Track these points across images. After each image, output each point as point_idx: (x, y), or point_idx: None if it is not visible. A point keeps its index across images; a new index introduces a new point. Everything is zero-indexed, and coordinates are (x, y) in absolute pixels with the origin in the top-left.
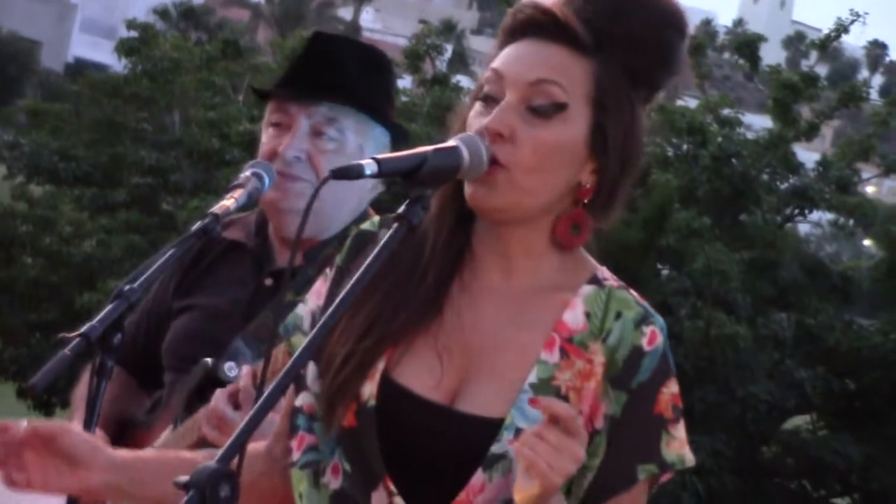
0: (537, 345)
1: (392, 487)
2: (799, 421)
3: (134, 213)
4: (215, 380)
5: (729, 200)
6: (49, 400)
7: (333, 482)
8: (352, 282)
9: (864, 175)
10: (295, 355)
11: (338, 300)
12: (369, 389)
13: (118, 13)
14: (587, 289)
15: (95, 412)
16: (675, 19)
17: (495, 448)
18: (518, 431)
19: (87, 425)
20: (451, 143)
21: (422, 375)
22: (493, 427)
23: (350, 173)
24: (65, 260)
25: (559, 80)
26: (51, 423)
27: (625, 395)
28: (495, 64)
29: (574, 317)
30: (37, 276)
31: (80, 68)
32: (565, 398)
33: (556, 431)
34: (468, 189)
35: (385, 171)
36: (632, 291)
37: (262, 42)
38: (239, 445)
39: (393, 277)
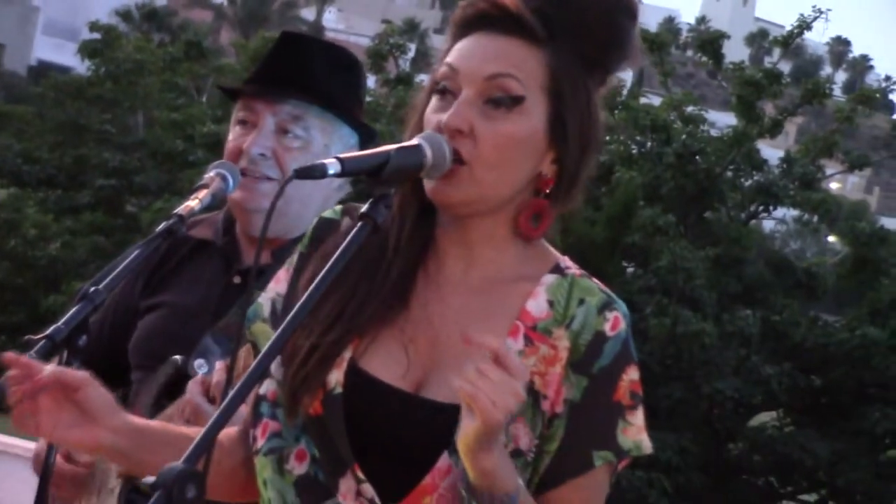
0: (501, 333)
1: (360, 474)
2: (765, 417)
3: (98, 215)
4: (185, 377)
5: (693, 198)
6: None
7: (298, 468)
8: (316, 280)
9: (828, 171)
10: (260, 355)
11: (303, 298)
12: (335, 377)
13: (81, 15)
14: (550, 278)
15: None
16: (625, 2)
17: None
18: None
19: None
20: (413, 141)
21: (389, 365)
22: (457, 413)
23: (314, 173)
24: (30, 262)
25: (515, 74)
26: (75, 372)
27: (586, 379)
28: (450, 59)
29: (537, 305)
30: (2, 279)
31: (43, 70)
32: (531, 383)
33: (497, 369)
34: (429, 185)
35: (348, 170)
36: (594, 280)
37: (225, 43)
38: (206, 445)
39: (358, 271)
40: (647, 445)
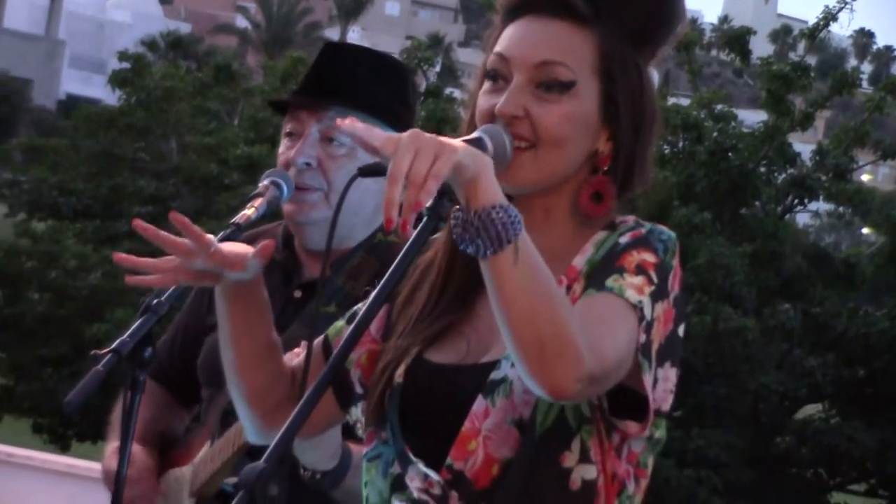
0: None
1: (411, 455)
2: (811, 410)
3: (137, 243)
4: None
5: (727, 194)
6: (65, 433)
7: (395, 468)
8: (385, 276)
9: (860, 162)
10: (334, 353)
11: (372, 296)
12: (400, 371)
13: (106, 47)
14: (601, 234)
15: (131, 426)
16: None
17: (494, 375)
18: None
19: (124, 440)
20: (474, 134)
21: (449, 353)
22: (492, 368)
23: (379, 170)
24: (71, 293)
25: (564, 61)
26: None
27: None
28: (499, 48)
29: (582, 258)
30: (44, 311)
31: (71, 104)
32: None
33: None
34: None
35: None
36: (645, 224)
37: (251, 66)
38: (285, 444)
39: (424, 286)
40: (632, 295)
